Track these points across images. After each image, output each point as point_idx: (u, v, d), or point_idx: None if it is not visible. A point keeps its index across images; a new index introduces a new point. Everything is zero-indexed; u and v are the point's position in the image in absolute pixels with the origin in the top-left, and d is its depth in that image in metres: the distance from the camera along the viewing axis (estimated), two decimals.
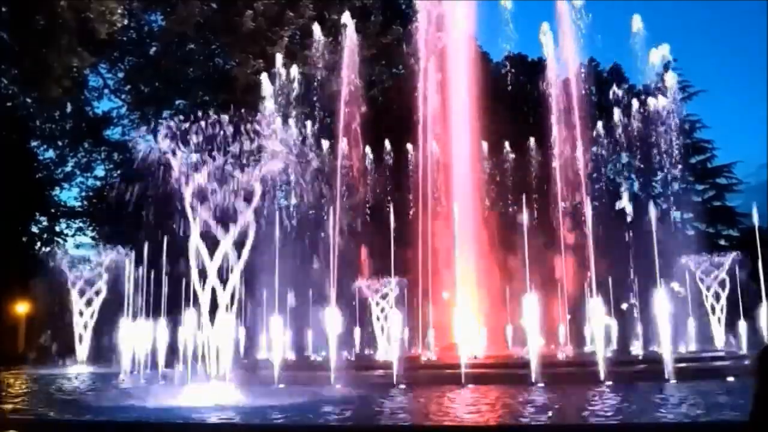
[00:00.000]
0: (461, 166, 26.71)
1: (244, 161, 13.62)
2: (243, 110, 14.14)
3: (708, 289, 26.85)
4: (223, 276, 13.53)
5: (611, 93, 32.88)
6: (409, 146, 30.24)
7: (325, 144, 29.89)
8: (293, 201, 28.32)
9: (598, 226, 24.23)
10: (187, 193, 13.34)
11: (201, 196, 13.42)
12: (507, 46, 32.19)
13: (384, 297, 27.15)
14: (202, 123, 13.44)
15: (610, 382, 15.01)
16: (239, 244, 13.56)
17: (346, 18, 29.27)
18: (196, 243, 13.36)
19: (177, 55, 35.88)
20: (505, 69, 36.67)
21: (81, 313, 28.56)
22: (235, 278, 13.55)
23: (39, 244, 41.58)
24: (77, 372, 24.90)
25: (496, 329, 25.12)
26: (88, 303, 28.67)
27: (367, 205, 32.09)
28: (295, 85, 29.72)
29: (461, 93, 26.92)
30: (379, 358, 22.90)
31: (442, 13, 28.37)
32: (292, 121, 27.65)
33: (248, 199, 13.56)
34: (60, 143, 41.35)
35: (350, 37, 29.06)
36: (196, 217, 13.39)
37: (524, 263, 18.91)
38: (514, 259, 23.50)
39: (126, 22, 35.30)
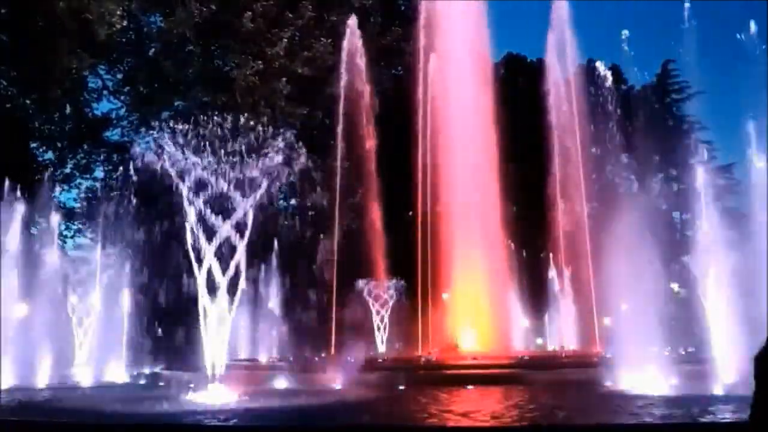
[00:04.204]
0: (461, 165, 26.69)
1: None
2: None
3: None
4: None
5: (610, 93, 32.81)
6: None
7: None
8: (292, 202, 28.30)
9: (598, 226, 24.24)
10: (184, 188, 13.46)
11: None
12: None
13: (383, 305, 27.00)
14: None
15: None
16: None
17: (351, 21, 29.29)
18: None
19: (176, 57, 35.82)
20: (503, 70, 36.63)
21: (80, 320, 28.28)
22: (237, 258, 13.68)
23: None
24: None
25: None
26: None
27: (366, 206, 31.92)
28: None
29: (461, 93, 26.94)
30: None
31: (442, 13, 28.38)
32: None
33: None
34: (59, 145, 41.24)
35: (352, 40, 29.09)
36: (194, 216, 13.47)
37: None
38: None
39: (125, 23, 35.27)
